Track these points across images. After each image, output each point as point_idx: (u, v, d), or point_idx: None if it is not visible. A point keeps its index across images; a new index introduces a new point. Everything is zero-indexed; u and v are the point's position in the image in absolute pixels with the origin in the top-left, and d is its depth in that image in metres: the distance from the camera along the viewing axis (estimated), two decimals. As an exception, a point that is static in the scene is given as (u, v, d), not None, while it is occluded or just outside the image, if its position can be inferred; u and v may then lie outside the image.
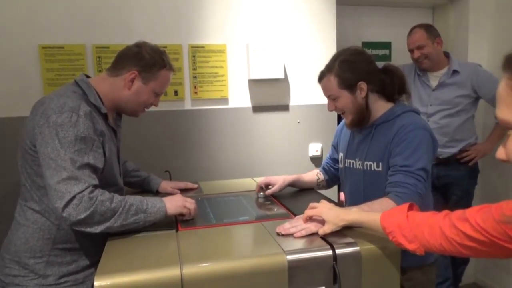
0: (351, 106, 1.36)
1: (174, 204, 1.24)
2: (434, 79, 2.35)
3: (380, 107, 1.39)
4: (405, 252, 1.26)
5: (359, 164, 1.41)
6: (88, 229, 1.11)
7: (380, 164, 1.34)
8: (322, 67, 1.44)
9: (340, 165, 1.54)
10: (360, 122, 1.39)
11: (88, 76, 1.35)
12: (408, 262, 1.34)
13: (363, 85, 1.34)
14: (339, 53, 1.40)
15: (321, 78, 1.41)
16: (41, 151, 1.14)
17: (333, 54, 1.42)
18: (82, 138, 1.14)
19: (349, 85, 1.34)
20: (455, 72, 2.29)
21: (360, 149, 1.42)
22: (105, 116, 1.30)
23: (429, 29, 2.31)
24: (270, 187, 1.59)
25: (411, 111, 1.38)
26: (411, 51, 2.34)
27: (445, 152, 2.30)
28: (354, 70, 1.34)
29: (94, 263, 1.25)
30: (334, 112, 1.47)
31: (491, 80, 2.27)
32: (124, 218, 1.14)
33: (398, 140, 1.29)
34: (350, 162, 1.47)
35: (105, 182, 1.22)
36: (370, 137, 1.39)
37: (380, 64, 1.44)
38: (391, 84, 1.38)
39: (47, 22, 1.94)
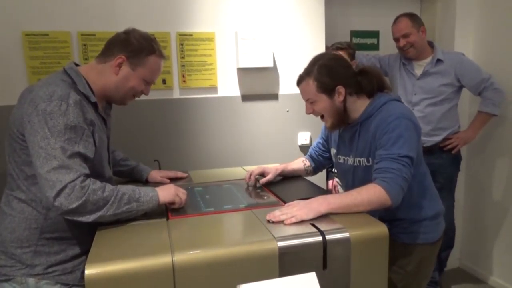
0: (329, 109, 1.40)
1: (167, 192, 1.24)
2: (418, 68, 2.38)
3: (360, 105, 1.42)
4: (411, 229, 1.40)
5: (352, 161, 1.46)
6: (80, 218, 1.10)
7: (370, 158, 1.39)
8: (311, 55, 1.46)
9: (334, 160, 1.59)
10: (339, 124, 1.44)
11: (77, 65, 1.32)
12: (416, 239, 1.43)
13: (341, 89, 1.38)
14: (317, 57, 1.43)
15: (299, 81, 1.44)
16: (31, 140, 1.12)
17: (311, 58, 1.44)
18: (72, 127, 1.12)
19: (328, 89, 1.38)
20: (439, 61, 2.32)
21: (352, 148, 1.46)
22: (94, 105, 1.28)
23: (414, 18, 2.33)
24: (258, 177, 1.61)
25: (391, 101, 1.40)
26: (396, 39, 2.36)
27: (429, 140, 2.34)
28: (332, 74, 1.38)
29: (82, 253, 1.24)
30: None
31: (473, 68, 2.31)
32: (116, 207, 1.13)
33: (380, 133, 1.33)
34: (343, 159, 1.51)
35: (94, 171, 1.21)
36: (357, 135, 1.43)
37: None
38: (369, 84, 1.42)
39: (31, 8, 1.89)
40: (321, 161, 1.72)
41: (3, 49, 1.87)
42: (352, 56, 2.38)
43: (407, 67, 2.40)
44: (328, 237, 1.07)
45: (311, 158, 1.75)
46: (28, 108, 1.13)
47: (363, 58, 2.51)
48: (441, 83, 2.31)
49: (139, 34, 1.32)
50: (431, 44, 2.39)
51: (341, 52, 2.34)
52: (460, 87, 2.35)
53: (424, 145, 2.33)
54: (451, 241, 2.58)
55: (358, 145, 1.42)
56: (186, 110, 2.18)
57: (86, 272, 0.92)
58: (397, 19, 2.36)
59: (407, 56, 2.37)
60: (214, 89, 2.22)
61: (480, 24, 2.67)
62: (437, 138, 2.36)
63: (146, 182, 1.67)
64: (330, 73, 1.37)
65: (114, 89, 1.31)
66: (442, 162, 2.38)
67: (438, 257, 2.56)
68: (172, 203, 1.27)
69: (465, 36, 2.70)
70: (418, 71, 2.37)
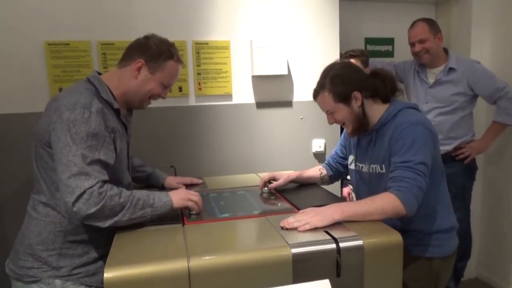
0: (349, 117, 1.41)
1: (179, 197, 1.27)
2: (431, 76, 2.35)
3: (376, 110, 1.42)
4: (424, 241, 1.37)
5: (367, 168, 1.46)
6: (98, 223, 1.14)
7: (383, 166, 1.39)
8: (325, 63, 1.47)
9: (351, 167, 1.58)
10: (360, 129, 1.44)
11: (99, 73, 1.36)
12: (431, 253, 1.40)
13: (357, 94, 1.39)
14: (327, 69, 1.44)
15: (315, 96, 1.46)
16: (54, 147, 1.17)
17: (322, 71, 1.45)
18: (94, 134, 1.16)
19: (344, 98, 1.39)
20: (451, 69, 2.28)
21: (368, 154, 1.46)
22: (117, 112, 1.32)
23: (431, 23, 2.30)
24: (272, 182, 1.63)
25: (406, 108, 1.41)
26: (412, 44, 2.33)
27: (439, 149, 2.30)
28: (346, 82, 1.38)
29: (105, 255, 1.27)
30: None
31: (487, 77, 2.26)
32: (132, 212, 1.16)
33: (394, 140, 1.33)
34: (360, 166, 1.51)
35: (115, 178, 1.24)
36: (373, 142, 1.43)
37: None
38: (383, 87, 1.42)
39: (53, 19, 1.95)
40: (339, 169, 1.72)
41: (26, 58, 1.94)
42: (366, 64, 2.37)
43: (421, 75, 2.37)
44: (341, 244, 1.08)
45: (329, 166, 1.74)
46: (53, 116, 1.18)
47: (378, 65, 2.51)
48: (453, 92, 2.27)
49: (158, 39, 1.37)
50: (445, 51, 2.36)
51: (354, 60, 2.34)
52: (475, 96, 2.31)
53: None
54: (467, 251, 2.53)
55: (374, 152, 1.43)
56: (201, 117, 2.21)
57: (105, 275, 0.95)
58: (414, 23, 2.33)
59: (421, 61, 2.35)
60: (229, 96, 2.25)
61: (496, 30, 2.64)
62: (448, 147, 2.32)
63: (162, 188, 1.71)
64: (343, 82, 1.38)
65: (133, 93, 1.35)
66: (454, 171, 2.33)
67: (454, 267, 2.52)
68: (186, 208, 1.29)
69: (481, 42, 2.67)
70: (431, 79, 2.34)
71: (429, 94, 2.33)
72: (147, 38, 1.37)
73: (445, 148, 2.32)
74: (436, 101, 2.31)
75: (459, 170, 2.35)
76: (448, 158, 2.33)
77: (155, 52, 1.33)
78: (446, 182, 2.30)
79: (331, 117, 1.45)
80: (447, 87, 2.29)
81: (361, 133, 1.46)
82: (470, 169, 2.41)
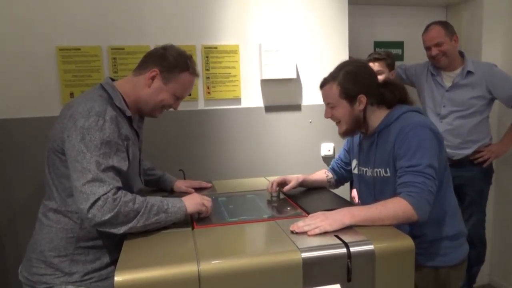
0: (348, 116, 1.40)
1: (193, 202, 1.27)
2: (448, 80, 2.31)
3: (378, 115, 1.42)
4: (430, 250, 1.33)
5: (371, 172, 1.44)
6: (112, 230, 1.14)
7: (388, 169, 1.37)
8: (334, 66, 1.46)
9: (354, 171, 1.56)
10: (352, 132, 1.44)
11: (113, 79, 1.38)
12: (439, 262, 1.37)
13: (363, 98, 1.38)
14: (344, 63, 1.44)
15: (323, 84, 1.44)
16: (68, 154, 1.17)
17: (338, 64, 1.44)
18: (107, 142, 1.17)
19: (350, 96, 1.38)
20: (469, 72, 2.24)
21: (370, 158, 1.45)
22: (129, 119, 1.33)
23: (446, 26, 2.27)
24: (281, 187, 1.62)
25: (410, 111, 1.39)
26: (428, 48, 2.29)
27: (458, 153, 2.27)
28: (357, 82, 1.38)
29: (117, 260, 1.27)
30: None
31: (506, 80, 2.23)
32: (146, 218, 1.16)
33: (399, 143, 1.31)
34: (363, 170, 1.49)
35: (127, 184, 1.25)
36: (375, 145, 1.42)
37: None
38: (391, 96, 1.41)
39: (64, 25, 1.98)
40: (343, 174, 1.71)
41: (38, 63, 1.97)
42: (391, 67, 2.35)
43: (436, 78, 2.33)
44: (352, 249, 1.07)
45: (333, 170, 1.73)
46: (68, 124, 1.19)
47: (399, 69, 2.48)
48: (472, 95, 2.23)
49: (176, 51, 1.37)
50: (461, 54, 2.32)
51: (378, 63, 2.31)
52: (492, 99, 2.27)
53: (454, 158, 2.26)
54: (482, 256, 2.49)
55: (376, 156, 1.41)
56: (210, 121, 2.22)
57: (115, 279, 0.95)
58: (428, 27, 2.30)
59: (438, 65, 2.30)
60: (238, 100, 2.25)
61: (508, 33, 2.61)
62: (467, 151, 2.28)
63: (171, 192, 1.71)
64: (355, 80, 1.38)
65: (144, 101, 1.36)
66: (473, 175, 2.30)
67: (468, 273, 2.49)
68: (199, 212, 1.29)
69: (492, 45, 2.64)
70: (448, 83, 2.30)
71: (446, 98, 2.29)
72: (165, 48, 1.37)
73: (464, 152, 2.28)
74: (453, 105, 2.27)
75: (477, 174, 2.32)
76: (466, 162, 2.30)
77: (171, 63, 1.34)
78: (464, 186, 2.25)
79: (330, 111, 1.44)
80: (465, 91, 2.25)
81: (351, 135, 1.47)
82: (488, 173, 2.37)
